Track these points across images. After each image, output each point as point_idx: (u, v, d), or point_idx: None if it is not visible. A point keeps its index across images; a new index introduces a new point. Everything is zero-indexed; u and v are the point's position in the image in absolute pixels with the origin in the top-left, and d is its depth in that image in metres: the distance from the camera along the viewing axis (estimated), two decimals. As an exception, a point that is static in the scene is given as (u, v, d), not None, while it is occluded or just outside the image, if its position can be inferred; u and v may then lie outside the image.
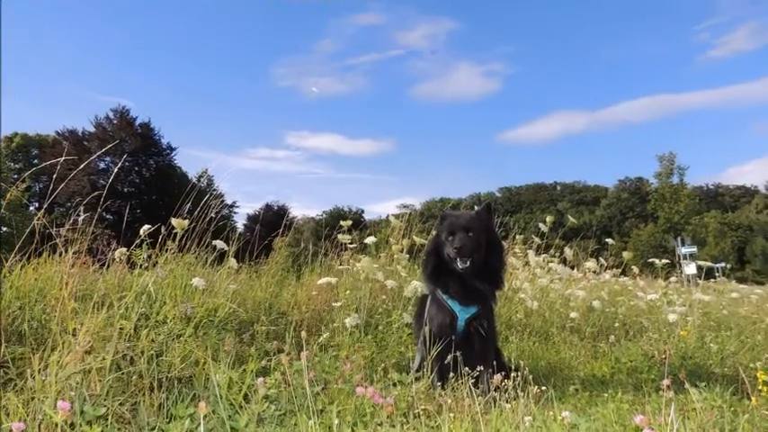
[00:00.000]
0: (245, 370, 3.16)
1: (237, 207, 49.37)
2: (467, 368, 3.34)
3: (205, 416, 2.62)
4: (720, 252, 63.76)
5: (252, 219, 41.76)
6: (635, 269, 9.67)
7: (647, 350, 5.08)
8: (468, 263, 3.69)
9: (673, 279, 9.57)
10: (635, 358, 4.95)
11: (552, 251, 9.03)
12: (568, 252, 8.29)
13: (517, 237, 8.70)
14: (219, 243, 5.01)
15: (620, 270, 9.36)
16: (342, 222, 6.46)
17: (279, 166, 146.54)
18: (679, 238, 37.28)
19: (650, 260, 8.09)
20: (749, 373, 4.12)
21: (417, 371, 3.69)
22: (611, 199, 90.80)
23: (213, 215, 5.42)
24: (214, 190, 5.74)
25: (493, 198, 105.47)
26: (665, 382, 2.77)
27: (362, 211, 72.70)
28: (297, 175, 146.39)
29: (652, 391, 4.08)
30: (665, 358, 4.68)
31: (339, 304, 5.12)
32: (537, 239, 8.25)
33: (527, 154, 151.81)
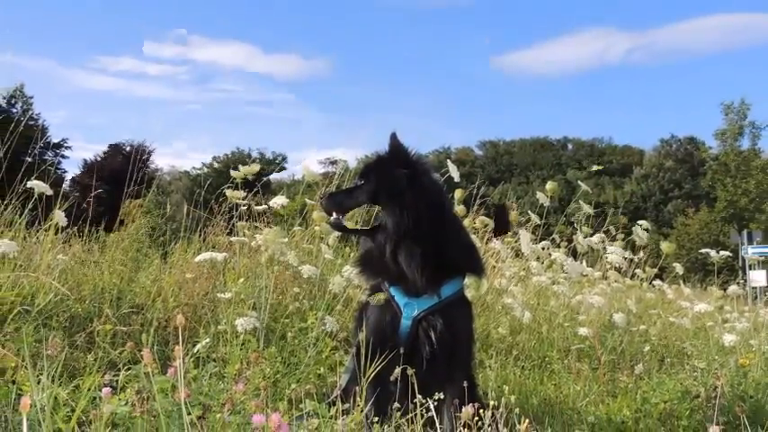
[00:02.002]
0: (78, 386, 3.15)
1: (68, 148, 48.41)
2: (420, 395, 3.40)
3: None
4: (805, 255, 65.89)
5: (89, 168, 40.98)
6: (678, 269, 9.92)
7: (689, 386, 5.26)
8: (343, 218, 3.85)
9: (732, 289, 9.85)
10: (671, 397, 5.12)
11: (557, 237, 9.20)
12: (581, 239, 8.43)
13: (512, 213, 8.81)
14: (38, 184, 4.93)
15: (655, 270, 9.57)
16: (241, 168, 6.39)
17: (149, 88, 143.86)
18: (745, 233, 38.47)
19: (703, 251, 8.31)
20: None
21: (345, 399, 3.73)
22: (649, 168, 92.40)
23: (29, 158, 5.35)
24: (32, 119, 5.68)
25: (471, 155, 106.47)
26: (714, 430, 2.88)
27: (283, 158, 71.74)
28: (176, 104, 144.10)
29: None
30: (716, 398, 4.86)
31: (227, 296, 5.13)
32: (534, 217, 8.37)
33: (528, 92, 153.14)
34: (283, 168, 62.52)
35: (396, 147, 3.99)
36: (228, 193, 6.29)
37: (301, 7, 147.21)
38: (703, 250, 8.18)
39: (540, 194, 7.87)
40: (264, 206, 6.59)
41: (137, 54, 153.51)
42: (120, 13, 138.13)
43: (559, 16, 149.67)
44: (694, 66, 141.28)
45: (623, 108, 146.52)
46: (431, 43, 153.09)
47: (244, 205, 6.43)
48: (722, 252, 7.90)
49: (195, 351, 4.34)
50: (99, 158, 43.05)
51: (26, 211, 5.06)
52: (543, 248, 8.47)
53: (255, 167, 6.39)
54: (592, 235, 8.48)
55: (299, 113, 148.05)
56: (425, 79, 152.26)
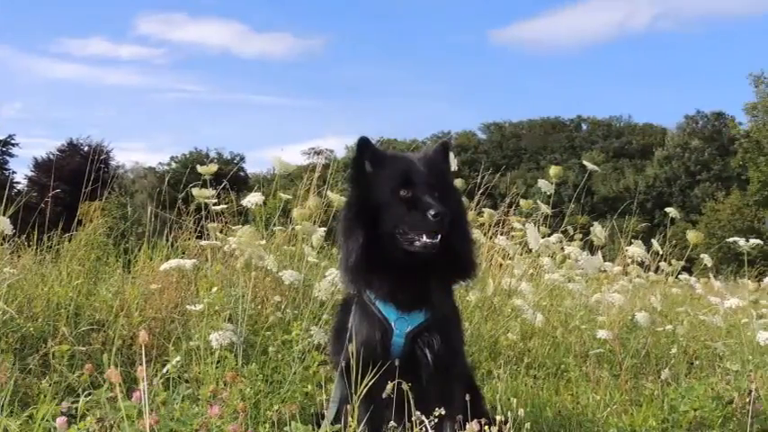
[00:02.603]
0: (32, 416, 3.14)
1: (15, 145, 48.31)
2: (418, 412, 3.40)
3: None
4: None
5: (42, 167, 40.98)
6: (707, 260, 9.92)
7: (722, 391, 5.26)
8: (439, 239, 3.76)
9: (768, 281, 9.85)
10: (701, 404, 5.12)
11: (570, 229, 9.19)
12: (598, 231, 8.41)
13: (521, 203, 8.78)
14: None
15: (682, 263, 9.57)
16: (200, 169, 6.43)
17: (118, 75, 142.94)
18: (782, 217, 38.58)
19: (731, 240, 8.28)
20: None
21: (335, 419, 3.73)
22: (673, 148, 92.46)
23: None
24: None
25: (474, 140, 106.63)
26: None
27: (241, 158, 72.42)
28: (151, 92, 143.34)
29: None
30: (750, 402, 4.86)
31: (199, 308, 5.11)
32: (544, 207, 8.35)
33: (536, 68, 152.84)
34: (241, 168, 62.92)
35: (444, 153, 4.11)
36: (195, 192, 6.28)
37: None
38: (732, 239, 8.13)
39: (542, 182, 7.81)
40: (224, 206, 6.60)
41: (111, 35, 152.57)
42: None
43: None
44: (725, 33, 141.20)
45: (644, 83, 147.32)
46: (426, 17, 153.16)
47: (214, 204, 6.42)
48: (753, 240, 7.83)
49: (165, 371, 4.33)
50: (52, 156, 43.11)
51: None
52: (555, 242, 8.44)
53: (213, 167, 6.39)
54: (550, 234, 8.46)
55: (288, 100, 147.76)
56: (421, 58, 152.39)
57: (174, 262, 5.40)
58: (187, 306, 5.24)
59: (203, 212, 6.67)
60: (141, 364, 2.94)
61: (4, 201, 5.22)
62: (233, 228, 6.34)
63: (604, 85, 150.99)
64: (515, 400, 4.16)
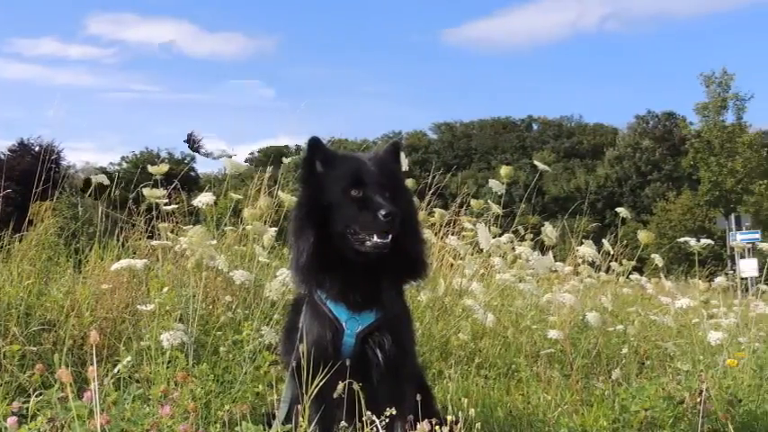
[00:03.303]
0: (-19, 416, 3.14)
1: (-34, 147, 47.90)
2: (369, 412, 3.44)
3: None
4: (799, 241, 66.88)
5: (-7, 166, 40.65)
6: (657, 260, 10.05)
7: (673, 391, 5.35)
8: (390, 239, 3.79)
9: (719, 280, 9.99)
10: (652, 404, 5.20)
11: (521, 230, 9.28)
12: (549, 231, 8.50)
13: (472, 202, 8.85)
14: None
15: (633, 263, 9.69)
16: (151, 169, 6.45)
17: (67, 74, 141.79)
18: (732, 217, 39.06)
19: (682, 240, 8.41)
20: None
21: (286, 419, 3.76)
22: (624, 148, 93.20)
23: None
24: None
25: (424, 140, 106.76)
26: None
27: (191, 159, 72.21)
28: (100, 92, 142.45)
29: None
30: (701, 402, 4.95)
31: (150, 308, 5.12)
32: (495, 207, 8.42)
33: (487, 67, 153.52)
34: (192, 168, 62.85)
35: (395, 153, 4.17)
36: (146, 192, 6.30)
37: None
38: (683, 239, 8.25)
39: (492, 182, 7.88)
40: (175, 206, 6.62)
41: (61, 34, 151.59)
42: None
43: None
44: (674, 34, 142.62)
45: (595, 83, 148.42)
46: (379, 16, 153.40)
47: (165, 204, 6.44)
48: (703, 240, 7.96)
49: (115, 371, 4.34)
50: (2, 157, 42.83)
51: None
52: (507, 242, 8.52)
53: (164, 167, 6.41)
54: (501, 235, 8.56)
55: (242, 99, 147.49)
56: (372, 58, 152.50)
57: (124, 262, 5.40)
58: (138, 306, 5.25)
59: (154, 212, 6.67)
60: (92, 365, 2.96)
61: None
62: (184, 228, 6.34)
63: (555, 84, 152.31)
64: (466, 401, 4.22)
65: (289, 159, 7.12)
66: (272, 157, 9.11)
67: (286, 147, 74.53)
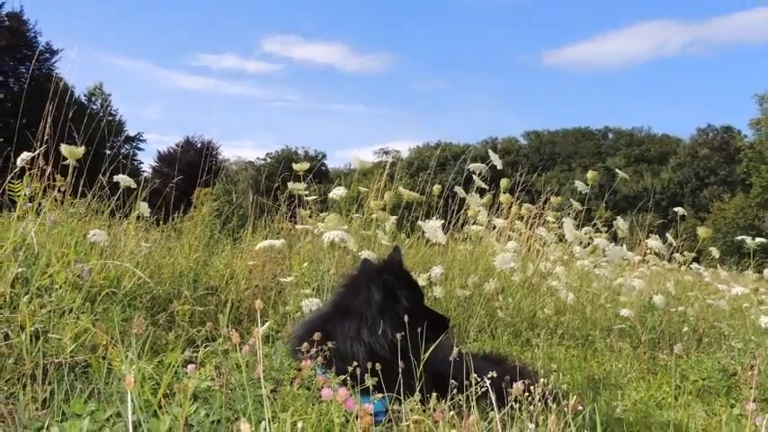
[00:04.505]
0: (161, 362, 3.25)
1: (143, 141, 49.38)
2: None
3: (108, 417, 2.73)
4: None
5: (164, 159, 41.74)
6: (714, 252, 9.86)
7: (727, 365, 5.26)
8: None
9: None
10: (709, 375, 5.14)
11: (598, 223, 9.19)
12: (621, 225, 8.42)
13: (552, 199, 8.84)
14: (124, 178, 5.11)
15: (693, 254, 9.55)
16: (295, 166, 6.55)
17: (239, 86, 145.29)
18: (780, 216, 38.02)
19: (738, 238, 8.25)
20: None
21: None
22: (685, 156, 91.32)
23: (107, 151, 5.52)
24: (111, 114, 5.89)
25: (516, 145, 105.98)
26: (751, 406, 2.91)
27: (323, 156, 73.13)
28: (261, 102, 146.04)
29: (731, 420, 4.26)
30: (753, 376, 4.86)
31: (290, 279, 5.22)
32: (576, 204, 8.36)
33: (577, 85, 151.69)
34: (323, 164, 63.70)
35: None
36: (290, 185, 6.41)
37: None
38: (740, 237, 8.11)
39: (578, 183, 7.84)
40: (315, 197, 6.73)
41: (242, 50, 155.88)
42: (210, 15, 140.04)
43: (620, 8, 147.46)
44: (735, 58, 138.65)
45: (666, 99, 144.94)
46: (489, 39, 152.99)
47: (306, 195, 6.56)
48: (758, 239, 7.84)
49: (264, 329, 4.44)
50: (172, 150, 43.92)
51: (112, 202, 5.28)
52: (585, 234, 8.45)
53: (306, 165, 6.52)
54: (581, 227, 8.47)
55: (366, 110, 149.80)
56: (483, 75, 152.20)
57: (267, 242, 5.52)
58: (281, 278, 5.36)
59: (296, 200, 6.79)
60: (251, 323, 3.05)
61: (141, 187, 5.41)
62: (320, 215, 6.45)
63: (632, 100, 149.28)
64: (554, 365, 4.21)
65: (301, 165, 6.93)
66: (283, 162, 9.16)
67: (296, 153, 75.46)
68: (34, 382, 2.90)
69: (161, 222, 6.60)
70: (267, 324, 4.59)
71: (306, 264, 5.52)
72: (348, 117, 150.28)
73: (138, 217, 5.40)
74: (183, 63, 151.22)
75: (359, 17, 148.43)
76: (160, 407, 2.89)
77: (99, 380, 3.08)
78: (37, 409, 2.80)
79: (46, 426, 2.66)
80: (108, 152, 5.99)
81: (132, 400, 2.74)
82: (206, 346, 3.63)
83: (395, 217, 6.83)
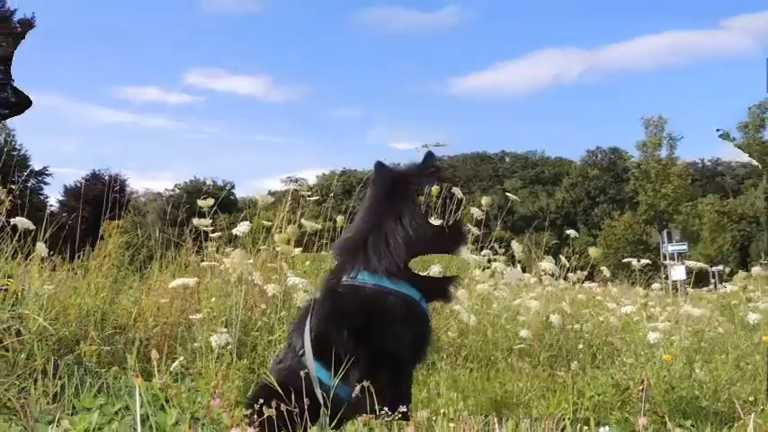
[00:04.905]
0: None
1: (49, 175, 48.07)
2: None
3: (117, 411, 2.75)
4: (718, 251, 67.17)
5: (71, 193, 40.76)
6: (605, 272, 10.13)
7: (620, 380, 5.39)
8: None
9: (655, 286, 10.06)
10: (604, 390, 5.25)
11: (497, 246, 9.33)
12: (517, 247, 8.57)
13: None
14: (21, 221, 4.99)
15: (585, 273, 9.76)
16: (199, 202, 6.51)
17: (158, 119, 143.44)
18: (665, 232, 39.29)
19: (626, 260, 8.50)
20: (748, 409, 4.47)
21: None
22: (577, 177, 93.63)
23: (12, 186, 5.39)
24: (15, 149, 5.76)
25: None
26: (642, 421, 2.99)
27: (232, 186, 72.53)
28: (182, 134, 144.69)
29: (625, 433, 4.36)
30: (643, 390, 4.99)
31: (200, 316, 5.17)
32: (474, 229, 8.47)
33: (482, 111, 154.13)
34: (231, 193, 63.45)
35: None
36: (195, 221, 6.38)
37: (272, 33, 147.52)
38: (627, 259, 8.38)
39: (474, 209, 7.97)
40: (220, 233, 6.70)
41: (163, 82, 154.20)
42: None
43: (526, 35, 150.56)
44: (633, 83, 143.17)
45: (564, 124, 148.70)
46: (402, 68, 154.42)
47: (211, 231, 6.51)
48: (642, 260, 8.12)
49: (172, 367, 4.38)
50: (78, 184, 43.03)
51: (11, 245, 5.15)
52: (484, 258, 8.59)
53: (210, 201, 6.49)
54: (480, 250, 8.66)
55: (284, 140, 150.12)
56: (391, 102, 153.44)
57: (180, 281, 5.45)
58: (191, 315, 5.30)
59: (201, 233, 6.73)
60: (166, 365, 3.01)
61: (45, 222, 5.31)
62: (227, 249, 6.41)
63: (531, 125, 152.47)
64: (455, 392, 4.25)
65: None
66: (191, 193, 9.20)
67: (204, 183, 75.58)
68: (45, 377, 2.92)
69: (68, 259, 6.44)
70: (177, 362, 4.53)
71: (213, 299, 5.47)
72: (266, 147, 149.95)
73: (42, 258, 5.28)
74: (104, 96, 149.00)
75: (283, 48, 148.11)
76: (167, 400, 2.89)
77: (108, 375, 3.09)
78: (48, 403, 2.84)
79: (57, 419, 2.69)
80: (14, 187, 5.83)
81: (140, 395, 2.72)
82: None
83: (299, 249, 6.81)
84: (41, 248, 5.10)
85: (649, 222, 58.23)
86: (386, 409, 3.15)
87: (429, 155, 3.98)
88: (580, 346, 7.32)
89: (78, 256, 6.53)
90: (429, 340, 3.78)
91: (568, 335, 7.61)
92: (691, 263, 8.44)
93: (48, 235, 5.49)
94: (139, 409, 2.29)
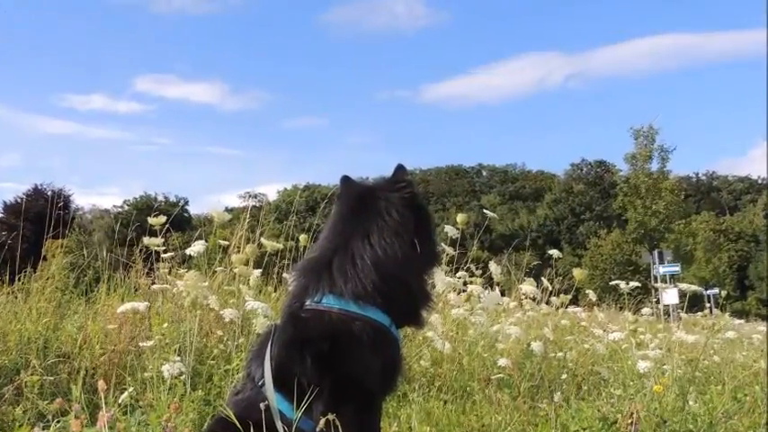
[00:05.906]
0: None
1: (-13, 192, 47.44)
2: None
3: None
4: (713, 273, 67.75)
5: (11, 210, 40.31)
6: (591, 295, 10.19)
7: (607, 413, 5.43)
8: None
9: (646, 311, 10.13)
10: (590, 425, 5.28)
11: (473, 267, 9.36)
12: (495, 269, 8.59)
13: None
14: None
15: (570, 296, 9.79)
16: (150, 220, 6.50)
17: (105, 130, 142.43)
18: (656, 252, 39.55)
19: (613, 282, 8.56)
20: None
21: None
22: (560, 192, 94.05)
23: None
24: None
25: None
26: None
27: (185, 202, 72.18)
28: (130, 145, 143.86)
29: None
30: (632, 424, 5.03)
31: (151, 344, 5.15)
32: (449, 249, 8.49)
33: (457, 120, 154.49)
34: (185, 210, 63.04)
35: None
36: (145, 240, 6.35)
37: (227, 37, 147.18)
38: (614, 282, 8.44)
39: (448, 227, 7.98)
40: (172, 254, 6.69)
41: (111, 91, 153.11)
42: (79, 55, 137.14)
43: (505, 39, 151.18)
44: (621, 90, 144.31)
45: (546, 133, 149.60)
46: (368, 72, 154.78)
47: (163, 251, 6.50)
48: (632, 283, 8.16)
49: (121, 400, 4.37)
50: (19, 200, 42.61)
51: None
52: (459, 280, 8.60)
53: (162, 219, 6.48)
54: (456, 271, 8.69)
55: (241, 152, 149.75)
56: (358, 110, 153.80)
57: (129, 305, 5.43)
58: (140, 344, 5.29)
59: (152, 253, 6.72)
60: (114, 396, 3.01)
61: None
62: (180, 271, 6.41)
63: (511, 134, 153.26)
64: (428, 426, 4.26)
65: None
66: (140, 210, 9.25)
67: (155, 198, 75.51)
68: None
69: (7, 282, 6.41)
70: (126, 393, 4.52)
71: (166, 324, 5.46)
72: (223, 160, 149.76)
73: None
74: (47, 105, 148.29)
75: (240, 54, 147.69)
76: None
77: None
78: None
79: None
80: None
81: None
82: (58, 421, 3.57)
83: (258, 270, 6.81)
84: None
85: (639, 241, 58.42)
86: (353, 443, 3.18)
87: (399, 168, 3.98)
88: (564, 376, 7.36)
89: (19, 278, 6.50)
90: (400, 369, 3.77)
91: (551, 364, 7.64)
92: (684, 285, 8.46)
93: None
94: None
